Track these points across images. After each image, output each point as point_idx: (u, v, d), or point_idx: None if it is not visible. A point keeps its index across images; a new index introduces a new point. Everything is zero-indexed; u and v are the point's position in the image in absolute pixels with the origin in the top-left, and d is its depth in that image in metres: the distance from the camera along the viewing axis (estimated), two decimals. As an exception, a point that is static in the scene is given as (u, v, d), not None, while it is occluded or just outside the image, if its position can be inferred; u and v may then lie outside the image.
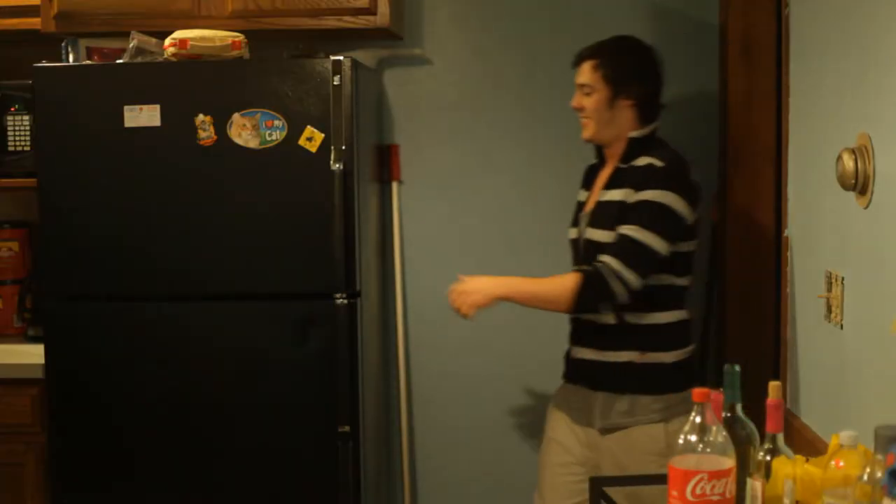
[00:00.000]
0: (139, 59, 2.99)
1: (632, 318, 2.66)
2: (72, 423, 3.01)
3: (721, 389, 1.87)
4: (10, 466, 3.12)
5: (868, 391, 2.13)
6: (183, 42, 2.91)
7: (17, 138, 3.35)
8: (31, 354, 3.14)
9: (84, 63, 3.17)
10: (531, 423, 3.45)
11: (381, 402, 3.43)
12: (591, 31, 3.40)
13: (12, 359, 3.20)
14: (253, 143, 2.89)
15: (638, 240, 2.59)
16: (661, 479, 1.81)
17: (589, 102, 2.72)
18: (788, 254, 2.74)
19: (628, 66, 2.71)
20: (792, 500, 1.73)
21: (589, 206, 2.77)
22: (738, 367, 1.89)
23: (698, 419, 1.70)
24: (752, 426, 1.88)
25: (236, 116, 2.88)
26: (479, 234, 3.51)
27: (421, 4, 3.47)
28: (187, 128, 2.89)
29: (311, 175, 2.88)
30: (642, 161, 2.66)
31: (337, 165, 2.85)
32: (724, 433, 1.71)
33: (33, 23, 3.24)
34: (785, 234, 2.78)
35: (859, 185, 2.08)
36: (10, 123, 3.35)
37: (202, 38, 2.92)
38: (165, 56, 2.96)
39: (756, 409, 1.87)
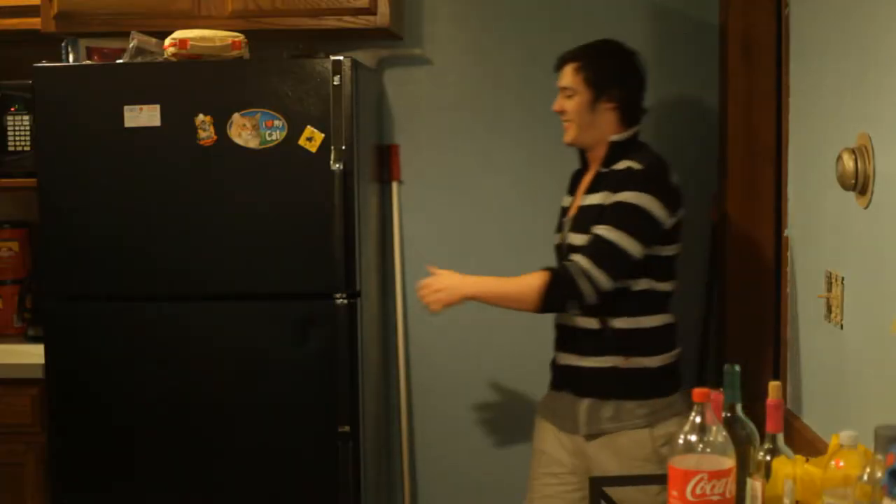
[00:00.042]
0: (139, 59, 2.99)
1: (615, 323, 2.65)
2: (72, 423, 3.01)
3: (721, 389, 1.87)
4: (10, 466, 3.12)
5: (868, 391, 2.13)
6: (183, 42, 2.91)
7: (17, 138, 3.35)
8: (31, 354, 3.14)
9: (84, 63, 3.17)
10: (532, 424, 3.44)
11: (381, 402, 3.43)
12: (591, 31, 3.39)
13: (12, 359, 3.20)
14: (253, 143, 2.89)
15: (610, 240, 2.58)
16: (661, 480, 1.81)
17: (570, 105, 2.72)
18: (788, 254, 2.74)
19: (610, 70, 2.70)
20: (792, 500, 1.73)
21: (572, 212, 2.77)
22: (738, 367, 1.89)
23: (698, 419, 1.70)
24: (752, 426, 1.88)
25: (236, 116, 2.88)
26: (479, 235, 3.51)
27: (421, 4, 3.47)
28: (187, 128, 2.89)
29: (311, 175, 2.88)
30: (622, 165, 2.66)
31: (337, 165, 2.85)
32: (724, 433, 1.71)
33: (33, 23, 3.24)
34: (785, 234, 2.78)
35: (859, 185, 2.08)
36: (10, 123, 3.35)
37: (202, 38, 2.92)
38: (165, 56, 2.96)
39: (756, 409, 1.87)
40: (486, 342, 3.50)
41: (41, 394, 3.08)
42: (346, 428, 2.92)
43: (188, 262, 2.95)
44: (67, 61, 3.21)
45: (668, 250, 2.68)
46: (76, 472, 3.01)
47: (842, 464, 1.66)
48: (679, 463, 1.69)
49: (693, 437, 1.70)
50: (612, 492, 2.41)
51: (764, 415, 1.80)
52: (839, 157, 2.13)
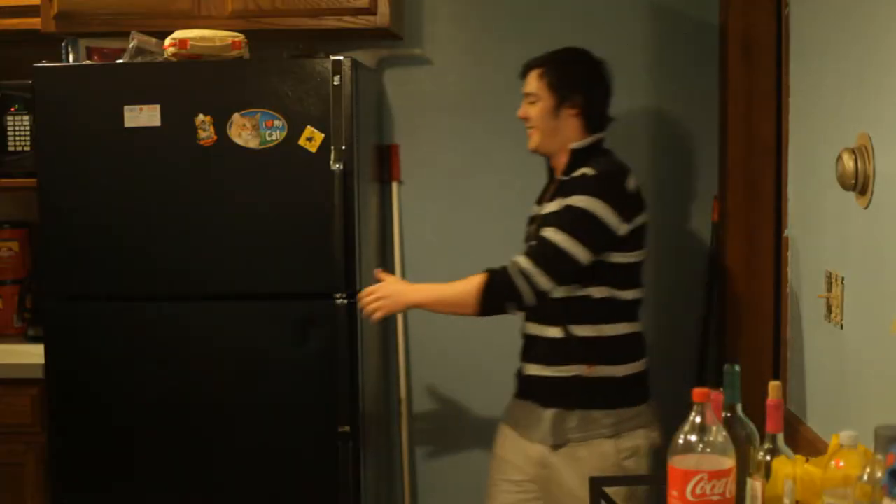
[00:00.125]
0: (139, 59, 2.99)
1: (577, 332, 2.63)
2: (72, 423, 3.01)
3: (721, 389, 1.87)
4: (10, 466, 3.12)
5: (868, 391, 2.13)
6: (183, 42, 2.91)
7: (17, 138, 3.35)
8: (31, 354, 3.14)
9: (84, 63, 3.17)
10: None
11: (381, 402, 3.43)
12: (591, 31, 3.42)
13: (12, 359, 3.20)
14: (253, 143, 2.89)
15: (553, 241, 2.57)
16: (660, 479, 1.81)
17: (534, 111, 2.71)
18: (788, 254, 2.74)
19: (573, 76, 2.70)
20: (792, 500, 1.73)
21: (537, 222, 2.75)
22: (738, 367, 1.89)
23: (698, 419, 1.70)
24: (752, 426, 1.88)
25: (236, 116, 2.88)
26: (479, 234, 3.51)
27: (421, 4, 3.47)
28: (187, 128, 2.89)
29: (311, 175, 2.88)
30: (579, 172, 2.65)
31: (337, 165, 2.85)
32: (724, 433, 1.71)
33: (33, 23, 3.24)
34: (785, 234, 2.77)
35: (859, 185, 2.08)
36: (10, 123, 3.35)
37: (202, 38, 2.92)
38: (165, 56, 2.96)
39: (756, 409, 1.87)
40: (487, 342, 3.50)
41: (41, 394, 3.08)
42: (346, 428, 2.92)
43: (188, 262, 2.95)
44: (67, 61, 3.22)
45: (626, 257, 2.64)
46: (76, 472, 3.02)
47: (842, 464, 1.66)
48: (679, 463, 1.69)
49: (693, 437, 1.69)
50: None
51: (764, 415, 1.80)
52: (839, 157, 2.13)
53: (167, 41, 2.94)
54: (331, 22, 3.17)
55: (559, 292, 2.62)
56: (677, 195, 3.44)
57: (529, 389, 2.74)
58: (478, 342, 3.51)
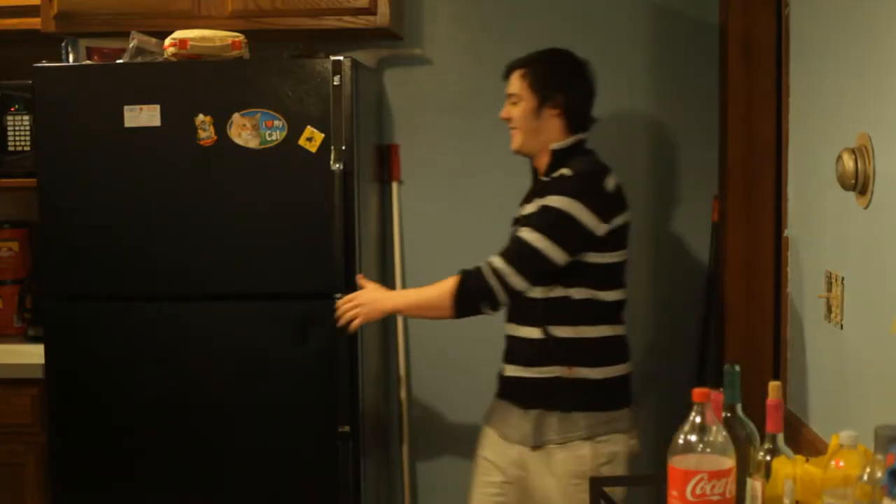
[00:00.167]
0: (139, 59, 2.99)
1: (556, 333, 2.62)
2: (72, 423, 3.01)
3: (721, 389, 1.87)
4: (10, 466, 3.12)
5: (868, 391, 2.13)
6: (183, 42, 2.91)
7: (17, 138, 3.35)
8: (31, 354, 3.14)
9: (84, 63, 3.17)
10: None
11: (381, 402, 3.43)
12: (592, 31, 3.42)
13: (12, 359, 3.20)
14: (253, 143, 2.89)
15: (527, 241, 2.57)
16: (660, 479, 1.81)
17: (516, 112, 2.71)
18: (788, 254, 2.74)
19: (554, 76, 2.69)
20: (792, 500, 1.73)
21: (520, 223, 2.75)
22: (738, 367, 1.89)
23: (698, 419, 1.70)
24: (752, 426, 1.88)
25: (236, 116, 2.88)
26: (479, 234, 3.50)
27: (421, 4, 3.47)
28: (187, 128, 2.89)
29: (311, 175, 2.88)
30: (558, 172, 2.65)
31: (337, 165, 2.85)
32: (724, 433, 1.71)
33: (33, 23, 3.25)
34: (785, 234, 2.77)
35: (859, 185, 2.08)
36: (10, 123, 3.35)
37: (202, 38, 2.92)
38: (165, 56, 2.96)
39: (756, 409, 1.87)
40: (487, 342, 3.49)
41: (41, 394, 3.08)
42: (346, 428, 2.92)
43: (188, 262, 2.95)
44: (67, 61, 3.22)
45: (606, 258, 2.63)
46: (76, 472, 3.02)
47: (842, 464, 1.66)
48: (679, 463, 1.69)
49: (693, 437, 1.69)
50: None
51: (764, 415, 1.80)
52: (839, 157, 2.13)
53: (167, 41, 2.94)
54: (331, 22, 3.17)
55: (538, 293, 2.62)
56: (677, 195, 3.44)
57: (509, 390, 2.74)
58: (478, 342, 3.50)
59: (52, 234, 2.98)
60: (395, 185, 3.50)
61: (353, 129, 2.89)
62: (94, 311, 2.99)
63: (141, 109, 2.90)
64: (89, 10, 3.19)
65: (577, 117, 2.72)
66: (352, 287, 2.89)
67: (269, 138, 2.88)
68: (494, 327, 3.44)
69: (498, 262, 2.59)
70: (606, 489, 2.22)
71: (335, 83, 2.86)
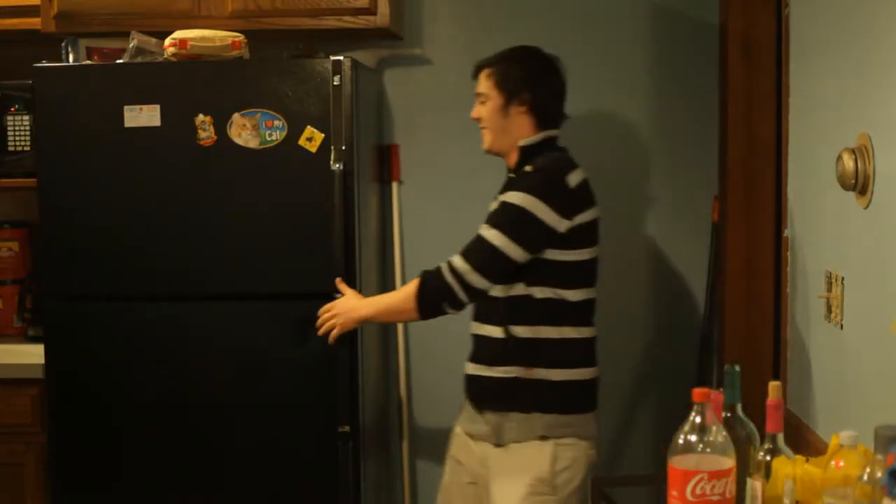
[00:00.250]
0: (139, 59, 2.99)
1: (516, 332, 2.61)
2: (72, 423, 3.01)
3: (721, 389, 1.87)
4: (10, 466, 3.12)
5: (868, 391, 2.14)
6: (183, 42, 2.91)
7: (17, 138, 3.35)
8: (31, 354, 3.14)
9: (84, 63, 3.17)
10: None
11: (381, 402, 3.43)
12: (591, 31, 3.42)
13: (12, 359, 3.20)
14: (253, 143, 2.89)
15: (486, 239, 2.56)
16: (660, 479, 1.81)
17: (484, 111, 2.71)
18: (788, 254, 2.74)
19: (520, 73, 2.68)
20: (792, 500, 1.73)
21: None
22: (738, 367, 1.89)
23: (698, 419, 1.70)
24: (752, 426, 1.88)
25: (236, 116, 2.88)
26: (479, 234, 3.51)
27: (421, 4, 3.47)
28: (187, 128, 2.89)
29: (311, 175, 2.88)
30: (525, 169, 2.64)
31: (337, 165, 2.85)
32: (724, 433, 1.71)
33: (33, 23, 3.25)
34: (785, 234, 2.77)
35: (859, 185, 2.08)
36: (10, 123, 3.35)
37: (202, 38, 2.92)
38: (165, 56, 2.96)
39: (756, 409, 1.87)
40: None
41: (41, 394, 3.08)
42: (346, 428, 2.92)
43: (188, 262, 2.95)
44: (67, 61, 3.22)
45: (569, 255, 2.60)
46: (76, 472, 3.02)
47: (842, 464, 1.66)
48: (679, 463, 1.69)
49: (693, 437, 1.69)
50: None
51: (764, 415, 1.80)
52: (839, 157, 2.13)
53: (167, 41, 2.94)
54: (331, 22, 3.17)
55: (499, 291, 2.61)
56: (677, 195, 3.44)
57: (472, 389, 2.73)
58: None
59: (52, 234, 2.98)
60: (395, 185, 3.50)
61: (353, 129, 2.89)
62: (94, 311, 2.99)
63: (141, 109, 2.91)
64: (89, 10, 3.19)
65: (546, 114, 2.70)
66: (351, 287, 2.89)
67: (269, 138, 2.89)
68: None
69: (457, 260, 2.58)
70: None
71: (335, 83, 2.86)
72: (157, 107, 2.90)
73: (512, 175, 2.70)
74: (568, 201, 2.58)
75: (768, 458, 1.79)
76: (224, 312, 2.96)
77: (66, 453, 3.01)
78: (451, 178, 3.51)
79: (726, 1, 3.13)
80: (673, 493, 1.69)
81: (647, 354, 3.49)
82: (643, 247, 3.46)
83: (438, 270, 2.60)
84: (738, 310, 3.10)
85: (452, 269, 2.57)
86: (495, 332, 2.64)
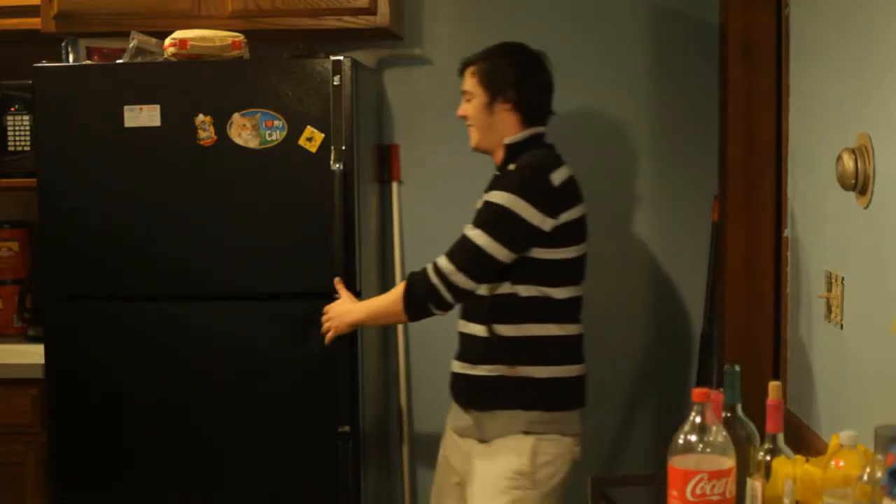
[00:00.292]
0: (139, 59, 2.99)
1: (501, 331, 2.60)
2: (72, 423, 3.01)
3: (721, 389, 1.87)
4: (10, 466, 3.12)
5: (868, 391, 2.14)
6: (183, 42, 2.91)
7: (17, 138, 3.35)
8: (31, 354, 3.14)
9: (84, 63, 3.17)
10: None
11: (381, 402, 3.43)
12: (591, 30, 3.42)
13: (12, 359, 3.20)
14: (253, 143, 2.89)
15: (471, 239, 2.56)
16: (660, 479, 1.81)
17: (470, 109, 2.70)
18: (788, 254, 2.74)
19: (504, 70, 2.66)
20: (792, 500, 1.73)
21: None
22: (738, 367, 1.89)
23: (698, 419, 1.70)
24: (752, 426, 1.88)
25: (236, 116, 2.88)
26: (479, 234, 3.51)
27: (421, 4, 3.47)
28: (187, 128, 2.89)
29: (311, 175, 2.88)
30: (508, 168, 2.63)
31: (337, 165, 2.85)
32: (724, 433, 1.71)
33: (33, 23, 3.24)
34: (785, 234, 2.77)
35: (859, 185, 2.08)
36: (10, 123, 3.35)
37: (202, 38, 2.92)
38: (165, 56, 2.96)
39: (756, 409, 1.87)
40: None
41: (41, 394, 3.08)
42: (346, 428, 2.92)
43: (188, 262, 2.95)
44: (67, 61, 3.22)
45: (554, 254, 2.59)
46: (76, 472, 3.02)
47: (842, 464, 1.66)
48: (679, 463, 1.69)
49: (693, 437, 1.70)
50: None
51: (764, 415, 1.80)
52: (839, 157, 2.13)
53: (167, 41, 2.94)
54: (331, 22, 3.17)
55: (485, 290, 2.61)
56: (677, 195, 3.44)
57: (458, 387, 2.73)
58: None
59: (52, 234, 2.98)
60: (395, 185, 3.50)
61: (353, 129, 2.89)
62: (94, 311, 2.99)
63: (141, 109, 2.91)
64: (89, 10, 3.19)
65: (531, 111, 2.69)
66: (352, 287, 2.89)
67: (269, 138, 2.89)
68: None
69: (442, 261, 2.58)
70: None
71: (335, 83, 2.86)
72: (157, 107, 2.90)
73: (497, 173, 2.69)
74: (552, 200, 2.57)
75: (768, 458, 1.79)
76: (224, 312, 2.96)
77: (66, 453, 3.01)
78: (451, 178, 3.51)
79: (726, 1, 3.13)
80: (673, 493, 1.69)
81: (647, 354, 3.49)
82: (643, 247, 3.46)
83: (424, 272, 2.60)
84: (738, 310, 3.10)
85: (437, 270, 2.57)
86: (480, 330, 2.63)
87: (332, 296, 2.85)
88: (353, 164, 2.89)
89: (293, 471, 2.96)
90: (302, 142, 2.88)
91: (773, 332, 2.96)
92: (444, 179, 3.52)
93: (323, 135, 2.87)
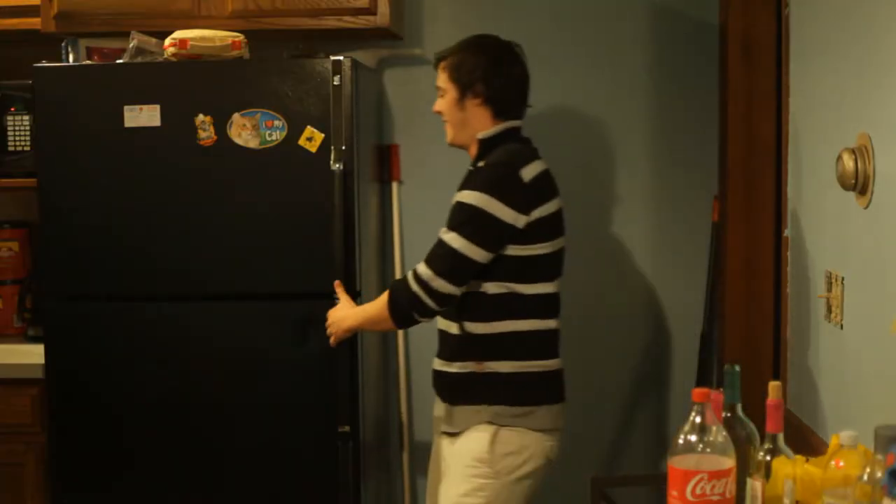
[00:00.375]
0: (139, 59, 2.99)
1: (470, 328, 2.59)
2: (72, 423, 3.01)
3: (721, 389, 1.87)
4: (10, 466, 3.12)
5: (868, 391, 2.14)
6: (183, 42, 2.91)
7: (17, 138, 3.35)
8: (31, 354, 3.14)
9: (84, 63, 3.17)
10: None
11: (381, 402, 3.43)
12: (591, 30, 3.42)
13: (12, 359, 3.20)
14: (253, 143, 2.89)
15: (444, 242, 2.54)
16: (660, 479, 1.81)
17: (443, 105, 2.68)
18: (788, 254, 2.74)
19: (472, 65, 2.62)
20: (792, 500, 1.73)
21: None
22: (738, 367, 1.89)
23: (698, 419, 1.70)
24: (752, 426, 1.88)
25: (236, 116, 2.88)
26: (479, 234, 3.50)
27: (421, 4, 3.47)
28: (187, 128, 2.89)
29: (311, 175, 2.88)
30: (478, 165, 2.62)
31: (337, 165, 2.85)
32: (724, 433, 1.71)
33: (33, 23, 3.24)
34: (785, 234, 2.78)
35: (859, 185, 2.08)
36: (10, 123, 3.35)
37: (202, 38, 2.92)
38: (165, 56, 2.96)
39: (756, 409, 1.87)
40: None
41: (41, 394, 3.08)
42: (346, 428, 2.92)
43: (188, 262, 2.95)
44: (67, 61, 3.22)
45: (524, 250, 2.55)
46: (76, 472, 3.02)
47: (842, 464, 1.66)
48: (679, 463, 1.69)
49: (693, 437, 1.69)
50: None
51: (764, 415, 1.80)
52: (839, 157, 2.13)
53: (167, 41, 2.94)
54: (331, 22, 3.17)
55: None
56: (677, 195, 3.44)
57: (436, 384, 2.73)
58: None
59: (52, 234, 2.98)
60: (395, 185, 3.50)
61: (353, 129, 2.89)
62: (94, 311, 2.99)
63: (141, 109, 2.91)
64: (89, 10, 3.19)
65: (502, 104, 2.65)
66: (352, 287, 2.89)
67: (269, 138, 2.89)
68: (494, 327, 3.44)
69: (421, 267, 2.56)
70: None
71: (335, 83, 2.86)
72: (157, 107, 2.90)
73: (471, 168, 2.67)
74: (523, 196, 2.53)
75: (768, 458, 1.78)
76: (224, 312, 2.96)
77: (66, 453, 3.01)
78: (451, 178, 3.47)
79: (726, 1, 3.13)
80: (673, 493, 1.69)
81: (647, 354, 3.49)
82: (643, 247, 3.46)
83: (405, 280, 2.58)
84: (738, 310, 3.10)
85: (417, 278, 2.55)
86: (453, 328, 2.63)
87: (331, 296, 2.85)
88: (353, 164, 2.89)
89: (293, 471, 2.96)
90: (302, 142, 2.88)
91: (773, 332, 2.96)
92: (444, 179, 3.50)
93: (323, 135, 2.87)
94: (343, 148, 2.87)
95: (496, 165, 2.57)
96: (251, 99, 2.88)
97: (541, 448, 2.60)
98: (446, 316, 2.64)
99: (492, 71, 2.63)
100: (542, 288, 2.61)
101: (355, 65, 2.90)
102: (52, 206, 2.97)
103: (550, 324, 2.65)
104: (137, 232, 2.95)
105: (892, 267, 1.97)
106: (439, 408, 2.74)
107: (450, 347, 2.65)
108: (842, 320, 2.27)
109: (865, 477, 1.56)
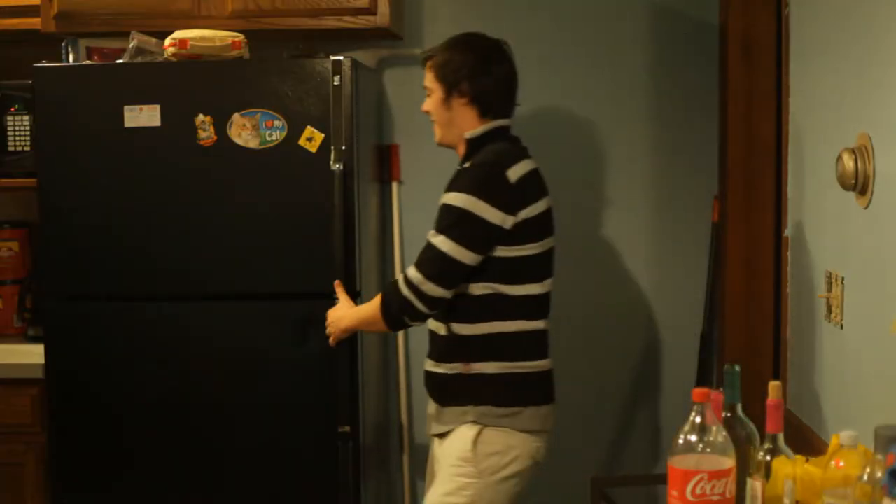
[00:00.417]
0: (139, 59, 2.99)
1: (458, 330, 2.58)
2: (72, 423, 3.01)
3: (721, 389, 1.87)
4: (10, 466, 3.12)
5: (868, 391, 2.14)
6: (183, 42, 2.91)
7: (17, 138, 3.35)
8: (31, 354, 3.14)
9: (84, 63, 3.17)
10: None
11: (381, 402, 3.43)
12: (592, 30, 3.42)
13: (12, 359, 3.20)
14: (253, 143, 2.89)
15: (437, 247, 2.52)
16: (660, 479, 1.81)
17: (430, 104, 2.67)
18: (788, 254, 2.74)
19: (457, 64, 2.61)
20: (792, 500, 1.73)
21: None
22: (738, 367, 1.89)
23: (698, 419, 1.70)
24: (752, 426, 1.88)
25: (236, 116, 2.88)
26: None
27: (421, 4, 3.47)
28: (187, 128, 2.89)
29: (311, 175, 2.88)
30: (464, 165, 2.61)
31: (337, 165, 2.85)
32: (724, 433, 1.71)
33: (33, 23, 3.25)
34: (785, 234, 2.78)
35: (859, 185, 2.08)
36: (10, 123, 3.35)
37: (202, 38, 2.92)
38: (165, 56, 2.96)
39: (756, 409, 1.87)
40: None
41: (41, 394, 3.08)
42: (346, 428, 2.92)
43: (188, 262, 2.95)
44: (67, 61, 3.22)
45: (511, 251, 2.53)
46: (76, 472, 3.02)
47: (842, 464, 1.66)
48: (679, 463, 1.69)
49: (693, 437, 1.69)
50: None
51: (764, 415, 1.80)
52: (839, 157, 2.13)
53: (167, 41, 2.94)
54: (331, 22, 3.17)
55: None
56: (677, 195, 3.44)
57: (427, 384, 2.72)
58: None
59: (52, 234, 2.98)
60: (395, 185, 3.50)
61: (353, 129, 2.89)
62: (94, 311, 2.99)
63: (141, 109, 2.91)
64: (89, 10, 3.19)
65: (489, 103, 2.63)
66: (352, 287, 2.89)
67: (269, 138, 2.89)
68: (494, 327, 3.44)
69: (411, 271, 2.55)
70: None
71: (335, 83, 2.86)
72: (157, 107, 2.90)
73: (459, 168, 2.64)
74: (509, 197, 2.51)
75: (768, 458, 1.79)
76: (224, 312, 2.96)
77: (66, 453, 3.01)
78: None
79: (726, 1, 3.13)
80: (673, 493, 1.69)
81: (646, 354, 3.49)
82: (643, 246, 3.46)
83: (396, 285, 2.58)
84: (738, 310, 3.10)
85: (408, 282, 2.54)
86: (441, 329, 2.63)
87: (331, 296, 2.85)
88: (353, 164, 2.89)
89: (293, 471, 2.96)
90: (302, 142, 2.88)
91: (773, 332, 2.96)
92: (444, 179, 3.47)
93: (323, 135, 2.87)
94: (343, 148, 2.87)
95: (482, 166, 2.56)
96: (251, 99, 2.88)
97: (527, 449, 2.59)
98: (435, 317, 2.64)
99: (478, 70, 2.61)
100: (529, 289, 2.59)
101: (355, 65, 2.90)
102: (52, 206, 2.97)
103: (538, 325, 2.63)
104: (137, 232, 2.95)
105: (892, 267, 1.97)
106: (432, 407, 2.75)
107: (438, 348, 2.65)
108: (842, 320, 2.27)
109: (865, 477, 1.56)
